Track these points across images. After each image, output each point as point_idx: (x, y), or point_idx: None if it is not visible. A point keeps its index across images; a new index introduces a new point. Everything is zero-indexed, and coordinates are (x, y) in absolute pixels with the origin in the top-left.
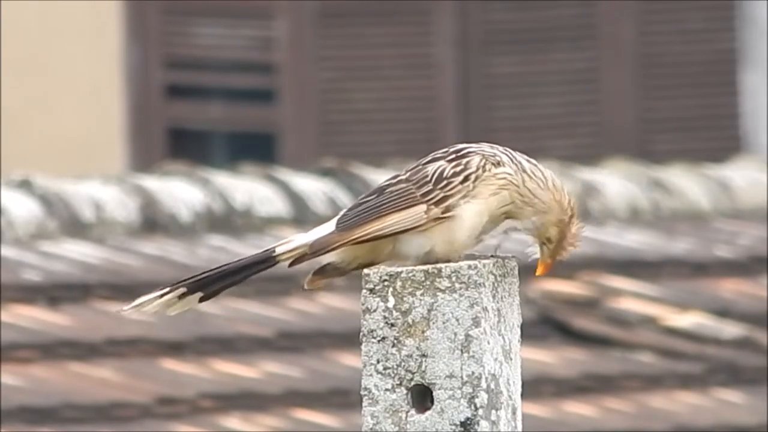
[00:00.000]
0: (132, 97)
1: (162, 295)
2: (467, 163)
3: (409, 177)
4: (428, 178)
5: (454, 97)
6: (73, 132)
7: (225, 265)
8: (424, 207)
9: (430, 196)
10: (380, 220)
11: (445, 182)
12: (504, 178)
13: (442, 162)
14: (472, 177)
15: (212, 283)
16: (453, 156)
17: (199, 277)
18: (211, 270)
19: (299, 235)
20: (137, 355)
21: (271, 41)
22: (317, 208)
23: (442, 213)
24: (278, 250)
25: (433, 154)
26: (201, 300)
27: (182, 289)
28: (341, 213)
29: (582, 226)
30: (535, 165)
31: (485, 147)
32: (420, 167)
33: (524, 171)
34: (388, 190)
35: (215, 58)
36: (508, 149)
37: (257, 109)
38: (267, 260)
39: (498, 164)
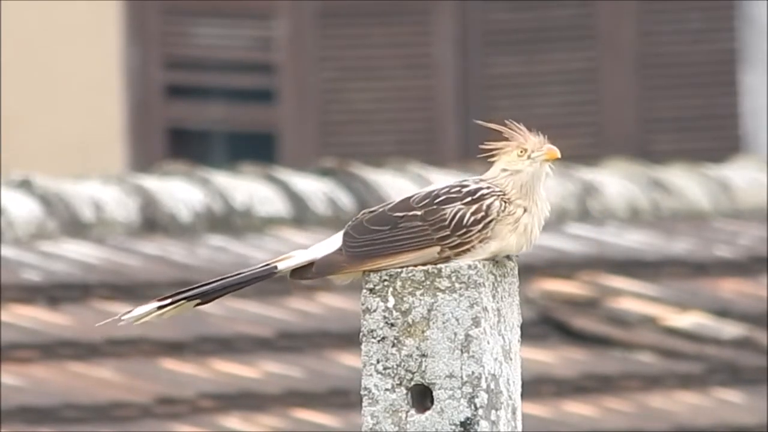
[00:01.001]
0: (132, 97)
1: (161, 307)
2: (488, 209)
3: (424, 216)
4: (446, 223)
5: (454, 97)
6: (73, 132)
7: (225, 278)
8: (438, 248)
9: (447, 241)
10: (393, 257)
11: (464, 230)
12: (515, 214)
13: (458, 205)
14: (492, 224)
15: (210, 294)
16: (469, 199)
17: (198, 290)
18: (210, 282)
19: (300, 252)
20: (137, 355)
21: (271, 41)
22: (317, 208)
23: (455, 255)
24: (280, 267)
25: (445, 190)
26: (196, 305)
27: (181, 301)
28: (346, 229)
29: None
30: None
31: (494, 187)
32: (436, 207)
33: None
34: (402, 226)
35: (215, 58)
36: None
37: (257, 109)
38: (268, 275)
39: (510, 201)
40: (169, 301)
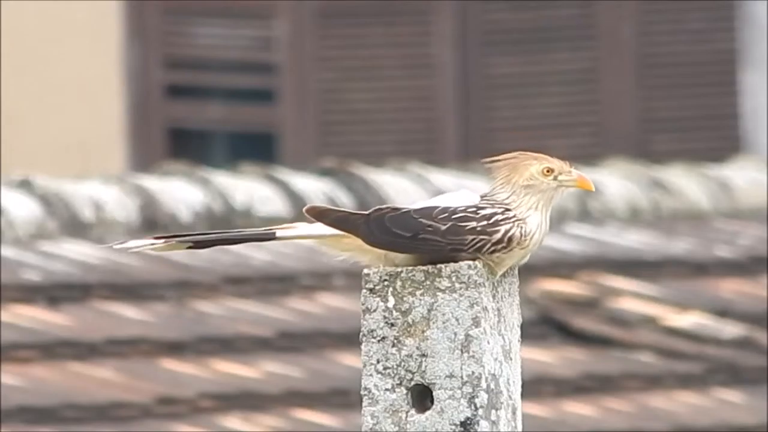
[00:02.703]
0: (132, 97)
1: (155, 242)
2: (509, 241)
3: (444, 233)
4: (464, 246)
5: (454, 97)
6: (73, 132)
7: (225, 232)
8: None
9: (461, 257)
10: (406, 254)
11: (481, 254)
12: (530, 233)
13: (480, 235)
14: (508, 249)
15: (206, 241)
16: (485, 222)
17: (195, 236)
18: (209, 232)
19: (303, 225)
20: (137, 355)
21: (271, 41)
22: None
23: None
24: (279, 234)
25: (462, 206)
26: (189, 248)
27: (174, 241)
28: (367, 220)
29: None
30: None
31: (507, 208)
32: (455, 225)
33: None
34: (422, 237)
35: (215, 58)
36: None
37: (257, 109)
38: (266, 239)
39: (525, 221)
40: (163, 241)
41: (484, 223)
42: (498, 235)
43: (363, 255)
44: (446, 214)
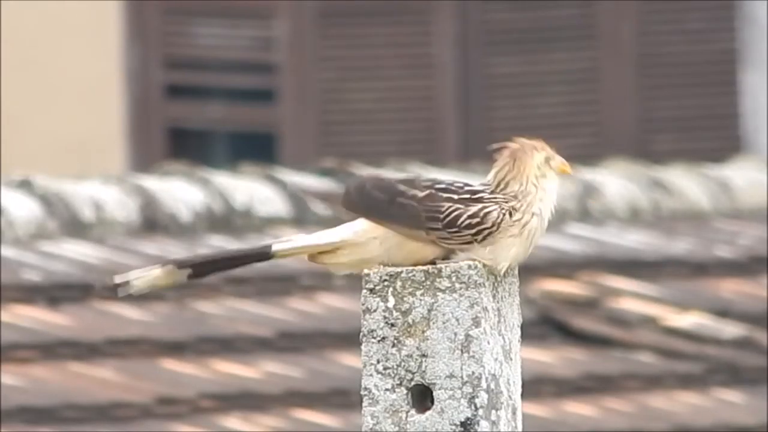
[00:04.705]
0: (132, 97)
1: (152, 270)
2: (484, 217)
3: (422, 200)
4: (440, 217)
5: (454, 97)
6: (73, 132)
7: (220, 252)
8: (424, 232)
9: (436, 233)
10: (384, 223)
11: (455, 229)
12: (522, 219)
13: (457, 204)
14: (485, 233)
15: (204, 265)
16: (468, 196)
17: (192, 259)
18: (206, 255)
19: (299, 236)
20: (137, 355)
21: (271, 41)
22: (317, 208)
23: (451, 245)
24: (275, 248)
25: (450, 180)
26: (190, 277)
27: (172, 266)
28: (347, 188)
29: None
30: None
31: (499, 196)
32: (434, 192)
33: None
34: (398, 202)
35: (215, 58)
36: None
37: (257, 109)
38: (263, 255)
39: (523, 210)
40: (159, 266)
41: (466, 196)
42: (474, 209)
43: (364, 265)
44: (429, 183)
